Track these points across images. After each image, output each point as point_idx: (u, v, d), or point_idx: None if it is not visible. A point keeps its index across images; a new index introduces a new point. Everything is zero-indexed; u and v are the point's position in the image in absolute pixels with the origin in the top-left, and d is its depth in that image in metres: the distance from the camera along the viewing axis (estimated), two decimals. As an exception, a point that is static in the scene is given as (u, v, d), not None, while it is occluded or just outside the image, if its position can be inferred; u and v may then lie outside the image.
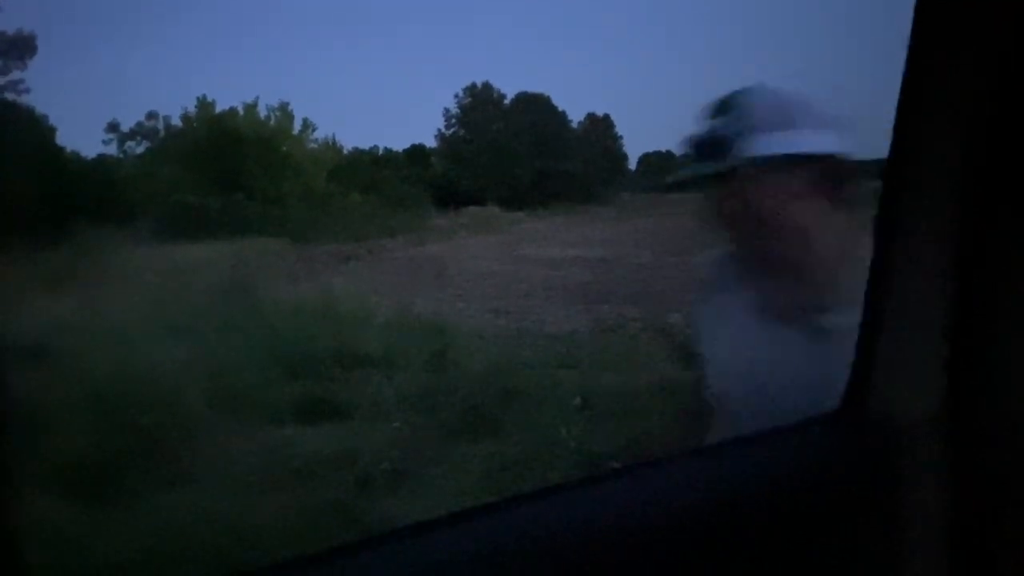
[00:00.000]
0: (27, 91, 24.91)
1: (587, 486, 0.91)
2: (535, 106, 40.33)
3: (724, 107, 1.24)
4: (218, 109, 30.17)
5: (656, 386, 5.94)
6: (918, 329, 0.91)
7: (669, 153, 36.08)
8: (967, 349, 0.89)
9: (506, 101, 40.45)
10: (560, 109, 41.23)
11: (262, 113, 30.26)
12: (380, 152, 42.66)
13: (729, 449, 1.02)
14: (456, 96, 41.58)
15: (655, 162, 41.67)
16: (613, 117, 44.40)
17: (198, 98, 30.55)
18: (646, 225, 21.78)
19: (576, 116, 42.95)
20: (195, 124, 30.07)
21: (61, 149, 27.93)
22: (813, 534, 0.89)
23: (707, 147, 1.23)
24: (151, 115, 36.66)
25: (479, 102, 40.60)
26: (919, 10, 0.77)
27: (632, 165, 44.52)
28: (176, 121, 31.98)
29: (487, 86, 40.83)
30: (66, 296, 10.74)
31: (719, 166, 1.21)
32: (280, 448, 5.10)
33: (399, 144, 52.54)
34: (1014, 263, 0.84)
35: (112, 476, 4.31)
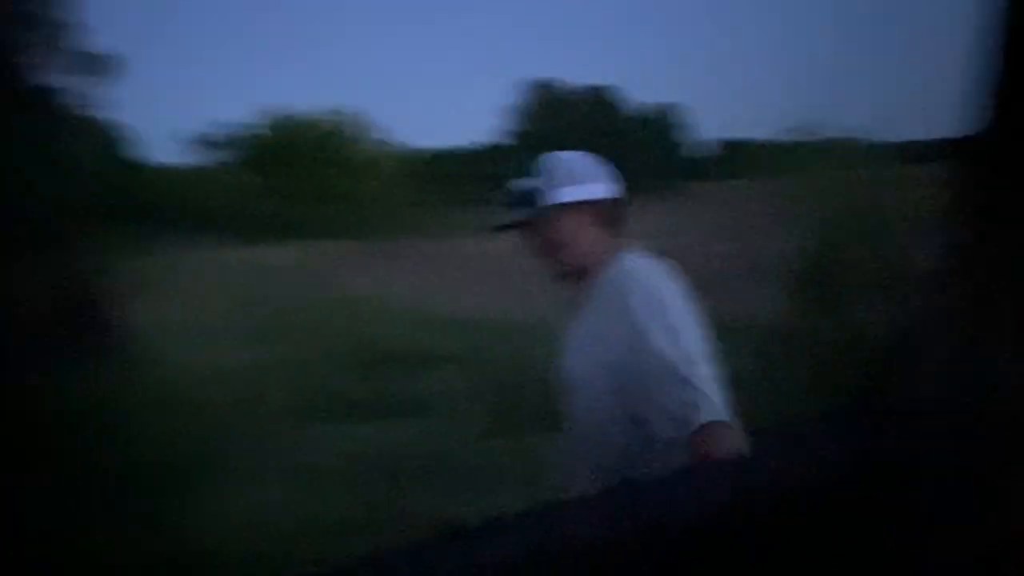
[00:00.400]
0: (117, 105, 25.90)
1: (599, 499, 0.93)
2: (599, 98, 40.03)
3: (533, 169, 1.78)
4: (287, 115, 30.81)
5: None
6: (933, 325, 0.88)
7: (741, 141, 35.33)
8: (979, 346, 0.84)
9: (571, 94, 40.24)
10: (625, 99, 40.87)
11: (330, 117, 30.76)
12: (445, 150, 43.05)
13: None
14: (519, 90, 41.58)
15: (727, 150, 40.94)
16: (681, 105, 43.80)
17: (268, 105, 31.29)
18: (711, 215, 21.38)
19: (642, 105, 42.43)
20: (266, 131, 30.78)
21: (145, 160, 28.96)
22: (827, 531, 0.89)
23: (520, 199, 1.76)
24: (224, 124, 37.74)
25: (543, 96, 40.50)
26: None
27: (703, 153, 43.67)
28: (249, 129, 32.83)
29: (550, 80, 40.72)
30: (161, 298, 11.06)
31: (528, 213, 1.75)
32: (372, 444, 5.10)
33: (464, 141, 52.89)
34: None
35: (221, 468, 4.40)
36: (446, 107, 68.48)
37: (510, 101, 41.77)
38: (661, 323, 1.51)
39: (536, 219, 1.73)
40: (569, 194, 1.71)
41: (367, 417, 5.75)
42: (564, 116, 39.17)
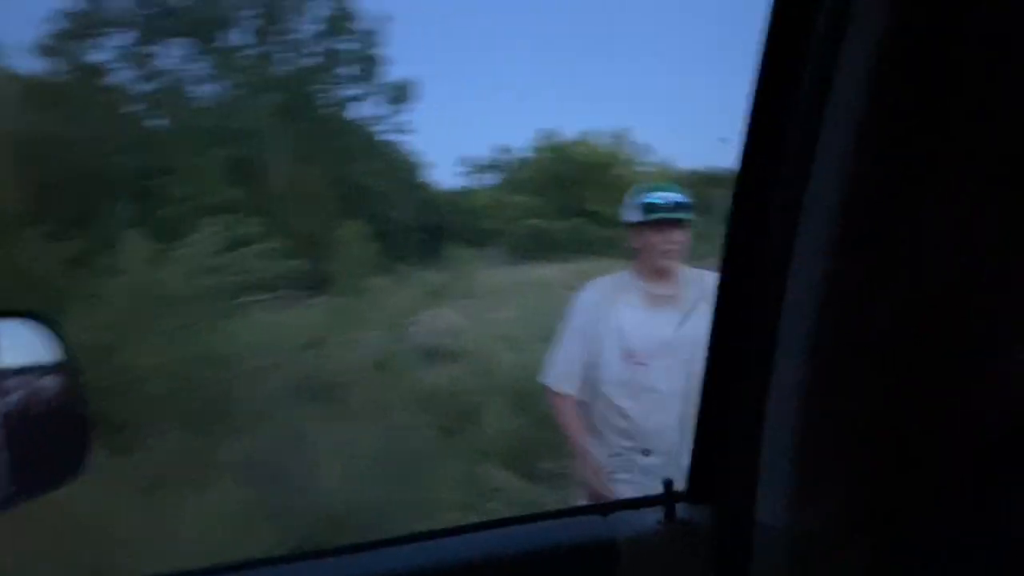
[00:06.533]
0: (410, 131, 28.95)
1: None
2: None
3: (673, 187, 2.37)
4: (561, 139, 32.24)
5: None
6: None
7: None
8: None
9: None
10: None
11: (601, 140, 31.74)
12: (715, 171, 42.40)
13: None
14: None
15: None
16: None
17: (543, 130, 32.95)
18: None
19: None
20: (541, 154, 32.42)
21: (432, 181, 31.88)
22: None
23: (677, 207, 2.31)
24: (504, 149, 40.34)
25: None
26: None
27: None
28: (524, 153, 34.80)
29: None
30: (450, 308, 12.27)
31: (684, 216, 2.30)
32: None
33: (732, 162, 51.58)
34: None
35: (531, 453, 4.91)
36: (720, 127, 67.27)
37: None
38: None
39: (685, 223, 2.28)
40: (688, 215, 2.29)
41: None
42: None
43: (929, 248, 0.66)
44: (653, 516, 0.97)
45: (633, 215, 2.32)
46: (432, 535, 0.99)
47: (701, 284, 2.28)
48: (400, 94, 28.00)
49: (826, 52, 0.69)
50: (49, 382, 0.85)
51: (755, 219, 0.80)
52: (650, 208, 2.26)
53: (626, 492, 2.18)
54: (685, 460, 2.21)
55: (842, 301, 0.72)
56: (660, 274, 2.31)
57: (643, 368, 2.22)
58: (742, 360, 0.85)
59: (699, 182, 38.95)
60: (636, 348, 2.24)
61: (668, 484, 0.97)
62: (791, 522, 0.80)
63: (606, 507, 1.02)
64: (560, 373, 2.35)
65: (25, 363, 0.82)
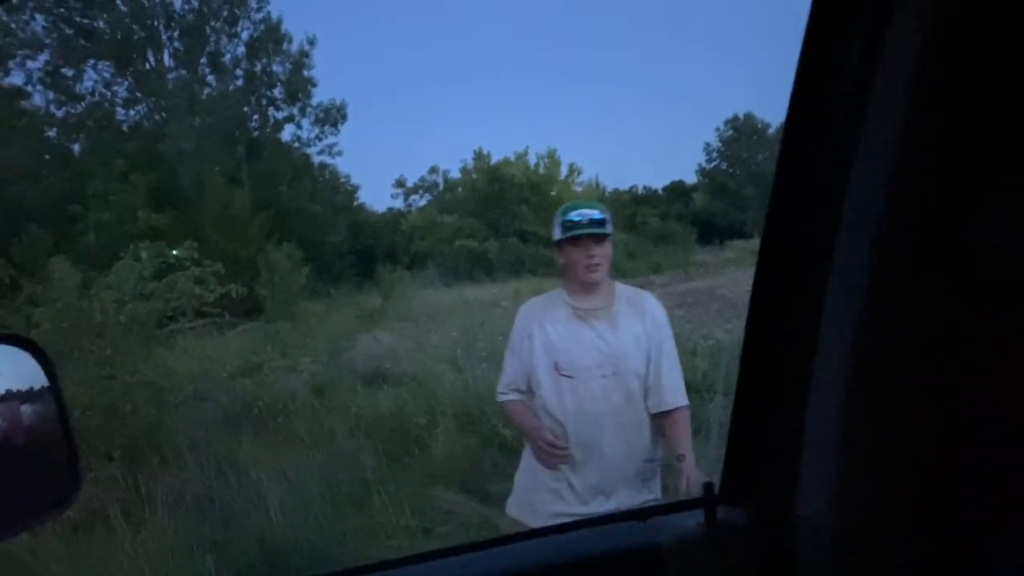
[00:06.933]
0: (339, 153, 28.67)
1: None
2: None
3: (595, 204, 2.47)
4: (492, 160, 32.43)
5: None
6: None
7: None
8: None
9: (770, 131, 39.37)
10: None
11: (532, 161, 32.05)
12: (641, 191, 43.31)
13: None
14: (717, 129, 41.22)
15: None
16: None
17: (474, 150, 33.10)
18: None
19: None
20: (472, 175, 32.53)
21: (364, 203, 31.59)
22: None
23: (596, 222, 2.38)
24: (433, 169, 40.37)
25: (742, 134, 39.85)
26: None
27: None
28: (455, 174, 34.90)
29: (749, 116, 40.02)
30: (386, 331, 12.13)
31: (604, 231, 2.39)
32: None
33: (659, 182, 52.78)
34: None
35: (481, 474, 4.88)
36: (646, 148, 68.72)
37: (711, 140, 41.46)
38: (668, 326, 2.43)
39: (606, 237, 2.39)
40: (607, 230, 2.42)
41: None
42: (767, 152, 38.32)
43: (969, 245, 0.67)
44: (693, 519, 0.98)
45: (557, 233, 2.43)
46: (474, 547, 0.99)
47: (630, 299, 2.44)
48: (329, 116, 27.80)
49: (866, 51, 0.69)
50: (33, 409, 0.80)
51: (794, 217, 0.81)
52: (570, 225, 2.37)
53: (551, 501, 2.33)
54: (614, 471, 2.30)
55: (882, 300, 0.73)
56: (586, 288, 2.41)
57: (570, 380, 2.33)
58: (780, 362, 0.85)
59: (629, 201, 39.72)
60: (562, 361, 2.35)
61: (708, 487, 0.98)
62: (834, 520, 0.80)
63: (645, 512, 1.03)
64: (507, 387, 2.49)
65: (6, 389, 0.78)
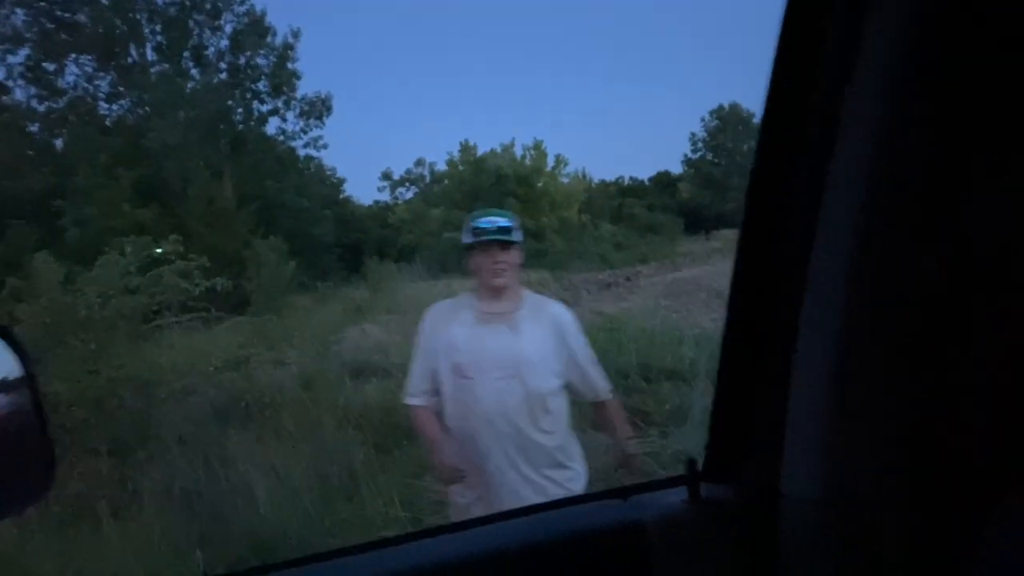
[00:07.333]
0: (324, 146, 28.51)
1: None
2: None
3: (503, 213, 2.52)
4: (478, 151, 32.33)
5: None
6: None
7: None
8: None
9: (756, 120, 39.34)
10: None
11: (518, 152, 31.98)
12: (627, 182, 43.38)
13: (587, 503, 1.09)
14: (703, 120, 41.27)
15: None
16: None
17: (460, 143, 32.99)
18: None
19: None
20: (458, 167, 32.44)
21: (350, 197, 31.46)
22: None
23: (502, 230, 2.41)
24: (419, 162, 40.22)
25: (727, 124, 39.94)
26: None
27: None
28: (441, 166, 34.78)
29: (735, 106, 40.11)
30: (374, 324, 12.12)
31: (510, 238, 2.43)
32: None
33: (645, 172, 52.93)
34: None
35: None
36: (633, 139, 68.82)
37: (696, 130, 41.51)
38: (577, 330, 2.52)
39: (512, 244, 2.45)
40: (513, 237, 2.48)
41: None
42: (753, 142, 38.29)
43: (951, 226, 0.68)
44: (676, 496, 0.98)
45: (465, 238, 2.49)
46: (456, 527, 0.99)
47: (534, 305, 2.51)
48: (314, 109, 27.64)
49: (844, 39, 0.70)
50: (7, 399, 0.79)
51: (776, 194, 0.81)
52: (478, 232, 2.43)
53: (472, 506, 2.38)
54: (513, 474, 2.32)
55: (864, 277, 0.74)
56: (492, 292, 2.46)
57: (468, 382, 2.38)
58: (763, 337, 0.86)
59: (616, 192, 39.73)
60: (463, 363, 2.40)
61: (691, 463, 0.98)
62: (817, 496, 0.81)
63: (627, 490, 1.03)
64: (414, 389, 2.52)
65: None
